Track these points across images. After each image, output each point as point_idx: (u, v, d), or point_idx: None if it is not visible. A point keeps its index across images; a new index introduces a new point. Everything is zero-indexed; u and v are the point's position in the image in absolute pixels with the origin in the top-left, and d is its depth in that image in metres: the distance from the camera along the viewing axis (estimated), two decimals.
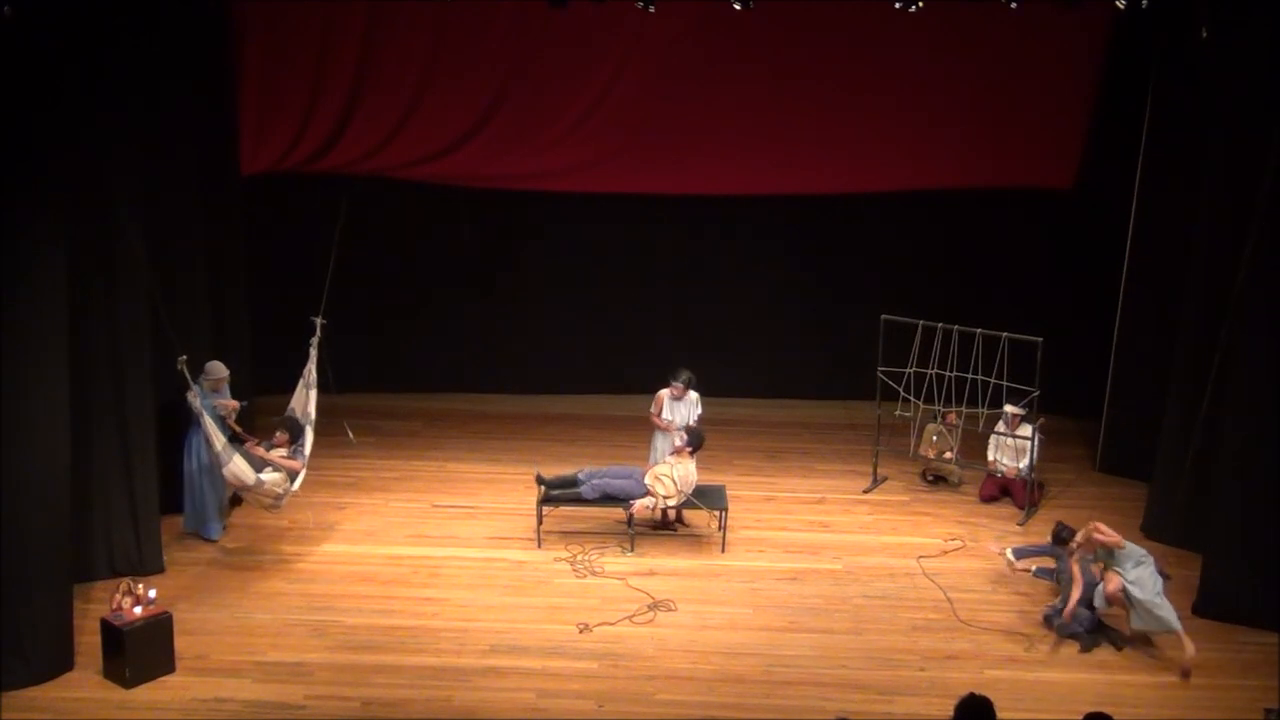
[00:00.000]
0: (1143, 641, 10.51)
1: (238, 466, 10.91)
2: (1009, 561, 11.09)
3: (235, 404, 11.84)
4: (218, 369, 11.71)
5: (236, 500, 11.98)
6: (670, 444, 12.07)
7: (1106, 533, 10.37)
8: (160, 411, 11.20)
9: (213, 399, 11.60)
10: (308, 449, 11.70)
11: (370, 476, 13.18)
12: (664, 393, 12.23)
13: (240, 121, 13.08)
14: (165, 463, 11.47)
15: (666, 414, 12.17)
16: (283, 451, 11.54)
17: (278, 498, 11.31)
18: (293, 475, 11.41)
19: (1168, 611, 10.19)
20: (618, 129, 13.75)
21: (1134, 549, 10.43)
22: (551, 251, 14.83)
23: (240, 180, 13.21)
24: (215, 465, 11.01)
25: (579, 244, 14.81)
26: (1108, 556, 10.46)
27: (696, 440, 11.90)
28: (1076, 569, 10.52)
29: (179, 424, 11.51)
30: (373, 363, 14.66)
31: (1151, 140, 12.84)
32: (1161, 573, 10.44)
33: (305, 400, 11.78)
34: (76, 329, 10.06)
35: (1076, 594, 10.42)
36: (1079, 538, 10.56)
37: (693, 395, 12.28)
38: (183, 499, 11.81)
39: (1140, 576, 10.29)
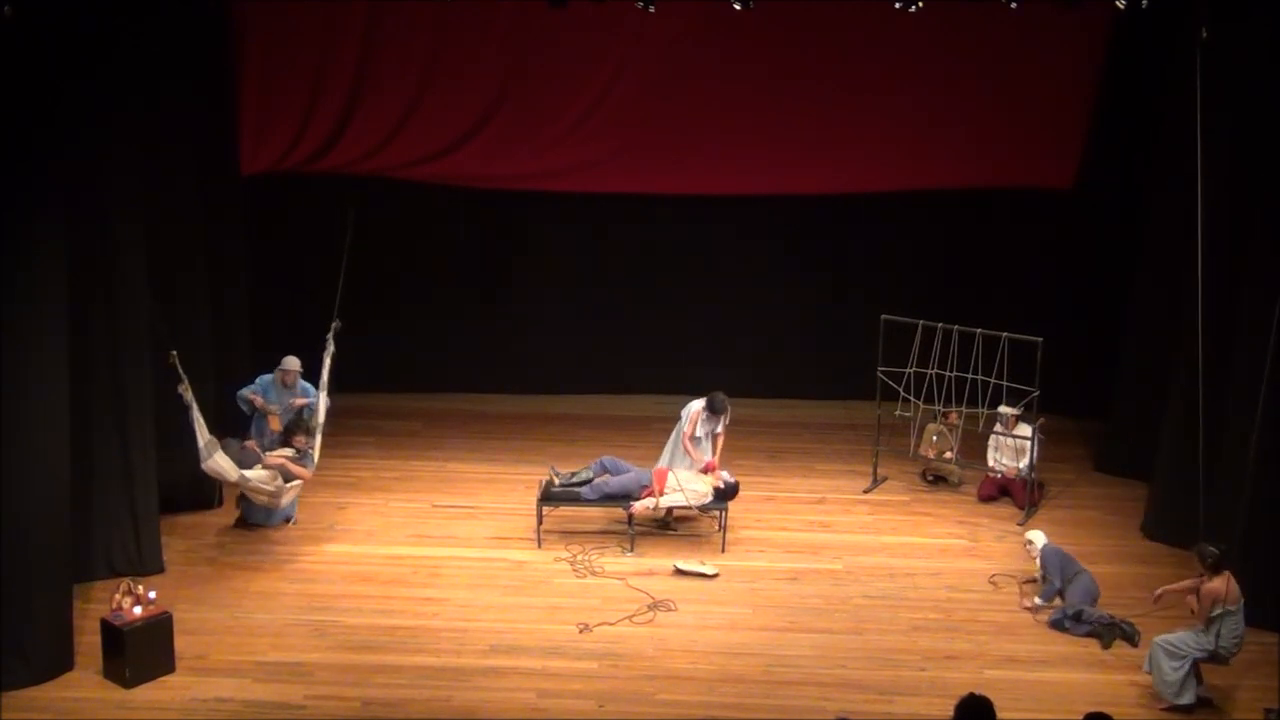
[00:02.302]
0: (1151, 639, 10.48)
1: (217, 463, 10.91)
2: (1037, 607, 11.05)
3: (303, 401, 12.04)
4: (289, 363, 12.00)
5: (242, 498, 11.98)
6: (683, 458, 12.20)
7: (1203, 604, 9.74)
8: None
9: (284, 397, 11.90)
10: (316, 454, 11.68)
11: (370, 476, 13.18)
12: (698, 409, 12.21)
13: (240, 121, 13.08)
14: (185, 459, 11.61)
15: (700, 432, 12.19)
16: (290, 452, 11.51)
17: (271, 495, 11.31)
18: (289, 477, 11.41)
19: (1174, 687, 9.74)
20: (618, 129, 13.75)
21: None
22: (551, 251, 14.84)
23: (240, 180, 13.21)
24: (198, 459, 11.01)
25: (579, 244, 14.82)
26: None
27: (729, 495, 11.99)
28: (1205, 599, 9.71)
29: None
30: (373, 363, 14.66)
31: (1154, 141, 12.83)
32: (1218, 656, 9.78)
33: (317, 404, 11.78)
34: (77, 329, 10.06)
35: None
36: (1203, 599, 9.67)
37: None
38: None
39: (1197, 642, 9.73)
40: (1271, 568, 10.65)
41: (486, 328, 14.98)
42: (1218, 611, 9.58)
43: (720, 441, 12.38)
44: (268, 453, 11.56)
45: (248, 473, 11.16)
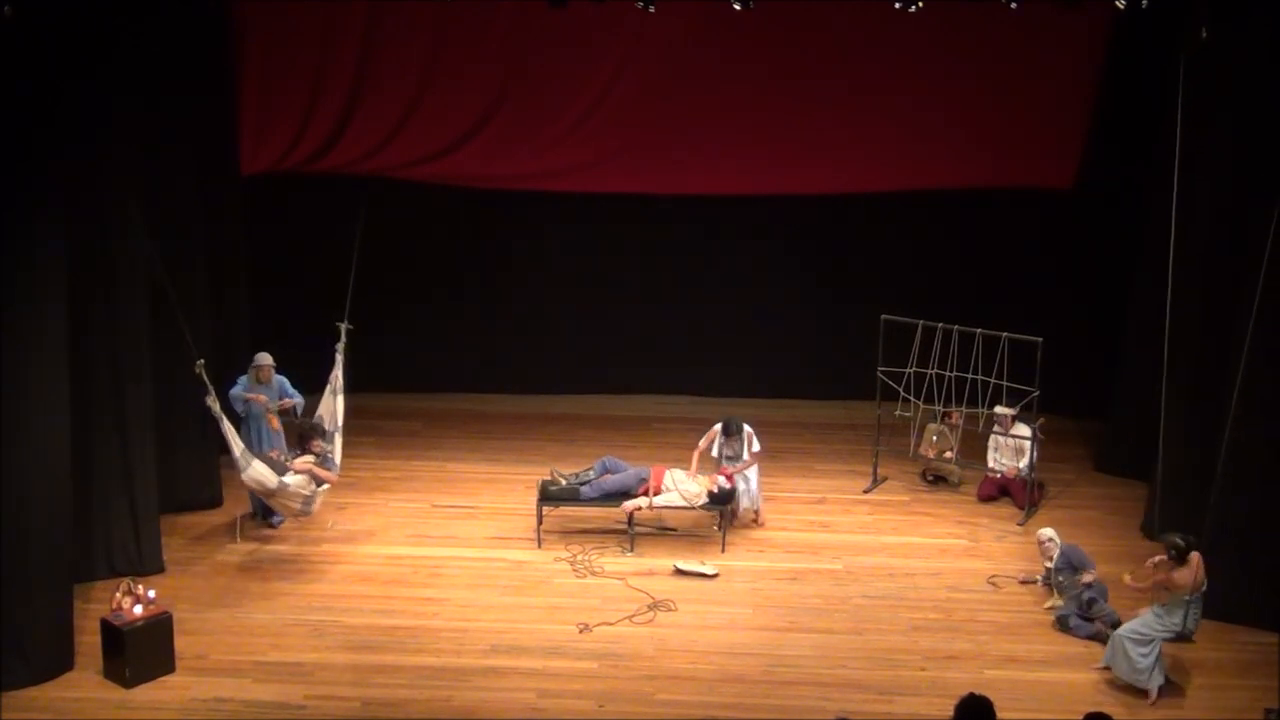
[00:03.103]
0: None
1: (257, 471, 10.84)
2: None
3: (290, 402, 12.05)
4: (262, 359, 11.97)
5: (267, 511, 11.93)
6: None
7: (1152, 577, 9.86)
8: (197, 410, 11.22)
9: (259, 391, 11.86)
10: (338, 457, 11.64)
11: (370, 476, 13.18)
12: (717, 429, 12.23)
13: (240, 121, 13.08)
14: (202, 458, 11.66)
15: (715, 451, 12.21)
16: (311, 459, 11.42)
17: (305, 500, 11.23)
18: (319, 482, 11.33)
19: (1146, 673, 9.81)
20: (618, 129, 13.74)
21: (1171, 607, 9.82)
22: (551, 251, 14.83)
23: (240, 180, 13.21)
24: (236, 471, 10.94)
25: (579, 244, 14.80)
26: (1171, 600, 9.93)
27: (723, 499, 12.00)
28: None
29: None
30: (373, 363, 14.64)
31: (1154, 141, 12.82)
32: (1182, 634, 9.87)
33: (333, 407, 11.74)
34: (77, 330, 10.07)
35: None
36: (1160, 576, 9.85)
37: (746, 430, 12.26)
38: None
39: (1162, 624, 9.80)
40: (1270, 568, 10.65)
41: (486, 328, 14.97)
42: (1177, 598, 9.69)
43: (752, 461, 12.22)
44: (289, 461, 11.43)
45: (287, 478, 11.09)
